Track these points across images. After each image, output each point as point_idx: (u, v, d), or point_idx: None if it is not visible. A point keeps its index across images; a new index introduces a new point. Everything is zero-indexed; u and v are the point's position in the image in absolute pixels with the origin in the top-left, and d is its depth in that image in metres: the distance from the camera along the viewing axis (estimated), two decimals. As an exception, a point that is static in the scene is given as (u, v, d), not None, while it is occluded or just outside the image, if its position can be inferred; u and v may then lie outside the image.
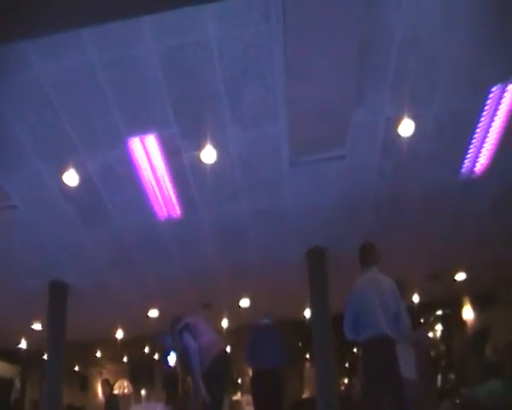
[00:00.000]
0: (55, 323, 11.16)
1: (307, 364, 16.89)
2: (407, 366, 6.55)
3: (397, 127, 7.19)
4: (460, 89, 6.89)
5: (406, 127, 7.16)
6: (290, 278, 11.66)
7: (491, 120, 7.46)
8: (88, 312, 12.64)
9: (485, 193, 9.09)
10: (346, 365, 16.03)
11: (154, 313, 13.51)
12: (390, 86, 6.74)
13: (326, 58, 5.77)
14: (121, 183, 8.16)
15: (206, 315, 11.24)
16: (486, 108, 7.25)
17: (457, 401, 10.52)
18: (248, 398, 11.98)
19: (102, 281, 11.31)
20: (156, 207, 8.74)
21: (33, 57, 5.97)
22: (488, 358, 12.43)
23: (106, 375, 16.65)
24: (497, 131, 7.63)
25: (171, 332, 6.89)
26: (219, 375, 6.73)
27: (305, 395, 15.65)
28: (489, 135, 7.73)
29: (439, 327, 15.62)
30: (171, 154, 7.61)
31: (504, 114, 7.33)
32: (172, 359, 16.19)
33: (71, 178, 7.68)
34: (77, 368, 17.68)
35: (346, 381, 16.40)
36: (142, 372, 17.71)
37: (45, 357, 11.49)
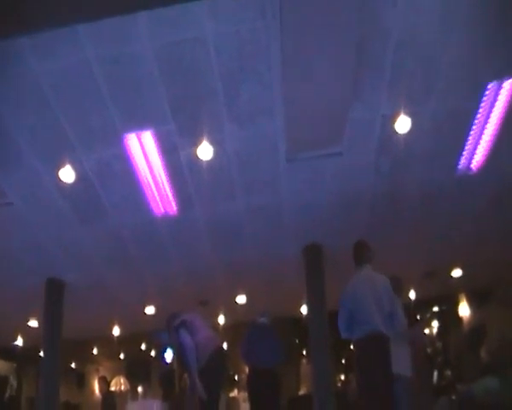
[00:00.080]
0: (52, 320, 11.15)
1: (304, 360, 16.90)
2: (402, 363, 6.57)
3: (393, 125, 7.20)
4: (456, 86, 6.90)
5: (403, 125, 7.17)
6: (287, 274, 11.68)
7: (488, 117, 7.47)
8: (84, 309, 12.63)
9: (481, 190, 9.10)
10: (343, 361, 16.04)
11: (150, 310, 13.51)
12: (387, 84, 6.74)
13: (323, 55, 5.76)
14: (118, 180, 8.15)
15: (202, 312, 11.28)
16: (483, 104, 7.26)
17: (453, 398, 10.56)
18: (245, 395, 12.01)
19: (99, 278, 11.30)
20: (153, 204, 8.73)
21: (30, 55, 5.95)
22: (484, 355, 12.48)
23: (102, 372, 16.65)
24: (494, 128, 7.64)
25: (168, 329, 6.88)
26: (216, 372, 6.72)
27: (301, 392, 15.67)
28: (485, 132, 7.73)
29: (435, 324, 15.65)
30: (168, 150, 7.61)
31: (501, 110, 7.33)
32: (169, 356, 16.20)
33: (67, 175, 7.67)
34: (73, 365, 17.66)
35: (342, 377, 16.43)
36: (138, 369, 17.70)
37: (41, 354, 11.47)
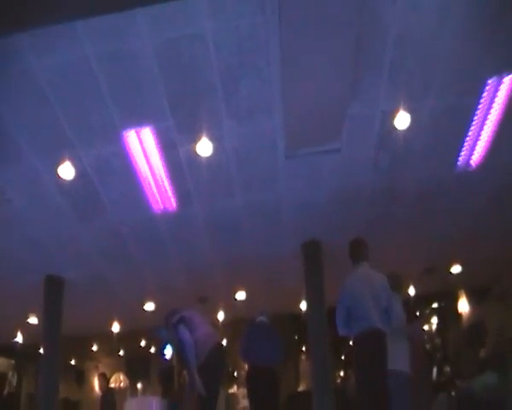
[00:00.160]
0: (51, 317, 11.15)
1: (303, 357, 16.91)
2: (401, 359, 6.59)
3: (392, 121, 7.20)
4: (455, 82, 6.89)
5: (402, 121, 7.17)
6: (286, 270, 11.68)
7: (487, 113, 7.46)
8: (84, 306, 12.64)
9: (480, 187, 9.10)
10: (342, 357, 16.04)
11: (150, 306, 13.52)
12: (386, 80, 6.74)
13: (322, 51, 5.75)
14: (117, 176, 8.14)
15: (201, 308, 11.31)
16: (482, 100, 7.25)
17: (453, 394, 10.59)
18: (244, 391, 12.00)
19: (98, 275, 11.31)
20: (152, 201, 8.74)
21: (29, 52, 5.94)
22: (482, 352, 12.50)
23: (102, 369, 16.64)
24: (494, 124, 7.63)
25: (167, 326, 6.89)
26: (215, 368, 6.73)
27: (300, 388, 15.68)
28: (485, 128, 7.73)
29: (434, 320, 15.66)
30: (167, 147, 7.61)
31: (500, 106, 7.33)
32: (169, 352, 16.20)
33: (66, 172, 7.67)
34: (73, 362, 17.65)
35: (341, 374, 16.44)
36: (138, 366, 17.69)
37: (41, 351, 11.47)
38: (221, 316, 14.68)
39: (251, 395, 8.66)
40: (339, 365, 16.09)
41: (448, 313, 15.31)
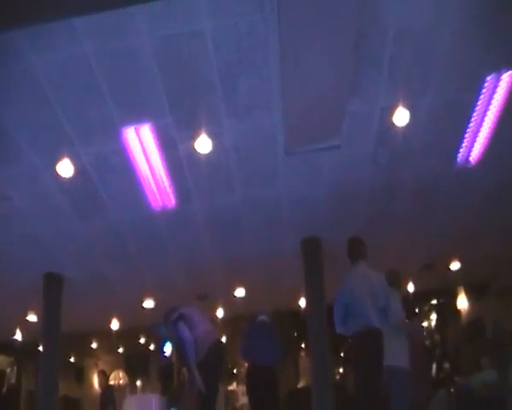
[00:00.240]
0: (50, 314, 11.16)
1: (302, 354, 16.94)
2: (400, 356, 6.61)
3: (392, 117, 7.20)
4: (454, 79, 6.89)
5: (401, 117, 7.17)
6: (285, 267, 11.69)
7: (486, 110, 7.46)
8: (83, 303, 12.64)
9: (479, 183, 9.11)
10: (341, 354, 16.07)
11: (149, 303, 13.52)
12: (385, 77, 6.73)
13: (321, 48, 5.74)
14: (116, 174, 8.13)
15: (201, 306, 11.31)
16: (481, 97, 7.25)
17: (452, 390, 10.59)
18: (243, 388, 12.03)
19: (98, 272, 11.31)
20: (151, 198, 8.73)
21: (27, 49, 5.92)
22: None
23: (101, 366, 16.66)
24: (492, 120, 7.63)
25: (166, 323, 6.89)
26: (214, 365, 6.73)
27: (300, 385, 15.71)
28: (484, 125, 7.72)
29: (433, 317, 15.70)
30: (166, 144, 7.60)
31: (499, 103, 7.32)
32: (168, 349, 16.21)
33: (66, 169, 7.66)
34: (72, 359, 17.67)
35: (341, 370, 16.47)
36: (137, 363, 17.72)
37: (40, 349, 11.47)
38: (220, 313, 14.69)
39: (250, 394, 8.71)
40: (338, 361, 16.13)
41: (447, 310, 15.35)
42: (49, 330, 11.11)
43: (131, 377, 17.71)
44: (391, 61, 6.51)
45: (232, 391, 15.02)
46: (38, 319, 12.73)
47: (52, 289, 11.19)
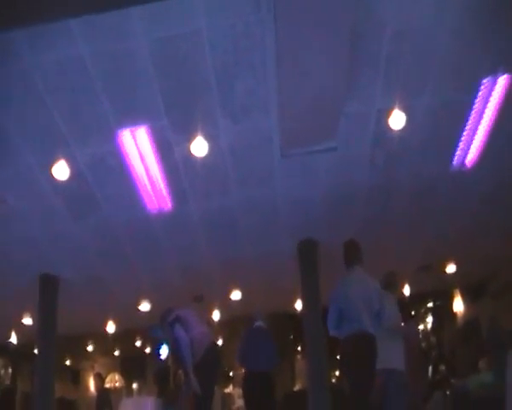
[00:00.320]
0: (46, 317, 11.12)
1: (298, 356, 16.92)
2: (396, 358, 6.61)
3: (388, 119, 7.18)
4: (451, 81, 6.89)
5: (398, 119, 7.15)
6: (281, 270, 11.67)
7: (482, 112, 7.46)
8: (79, 305, 12.59)
9: (475, 186, 9.11)
10: (338, 357, 16.05)
11: (145, 306, 13.50)
12: (381, 78, 6.73)
13: (317, 49, 5.73)
14: (112, 175, 8.12)
15: (197, 308, 11.27)
16: (477, 100, 7.25)
17: (448, 393, 10.59)
18: (240, 391, 12.01)
19: (93, 274, 11.28)
20: (147, 200, 8.71)
21: (24, 50, 5.91)
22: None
23: (97, 369, 16.63)
24: (488, 123, 7.63)
25: (162, 324, 6.88)
26: (210, 367, 6.73)
27: (296, 388, 15.69)
28: (480, 128, 7.72)
29: (429, 319, 15.70)
30: (162, 146, 7.58)
31: (495, 105, 7.33)
32: (164, 352, 16.19)
33: (61, 171, 7.62)
34: (68, 362, 17.63)
35: (337, 373, 16.45)
36: (133, 366, 17.70)
37: (36, 351, 11.43)
38: (216, 315, 14.67)
39: (247, 399, 8.74)
40: (334, 364, 16.09)
41: (443, 312, 15.35)
42: (45, 332, 11.06)
43: (127, 380, 17.68)
44: (388, 62, 6.51)
45: (228, 394, 15.00)
46: (34, 321, 12.67)
47: (48, 291, 11.15)
